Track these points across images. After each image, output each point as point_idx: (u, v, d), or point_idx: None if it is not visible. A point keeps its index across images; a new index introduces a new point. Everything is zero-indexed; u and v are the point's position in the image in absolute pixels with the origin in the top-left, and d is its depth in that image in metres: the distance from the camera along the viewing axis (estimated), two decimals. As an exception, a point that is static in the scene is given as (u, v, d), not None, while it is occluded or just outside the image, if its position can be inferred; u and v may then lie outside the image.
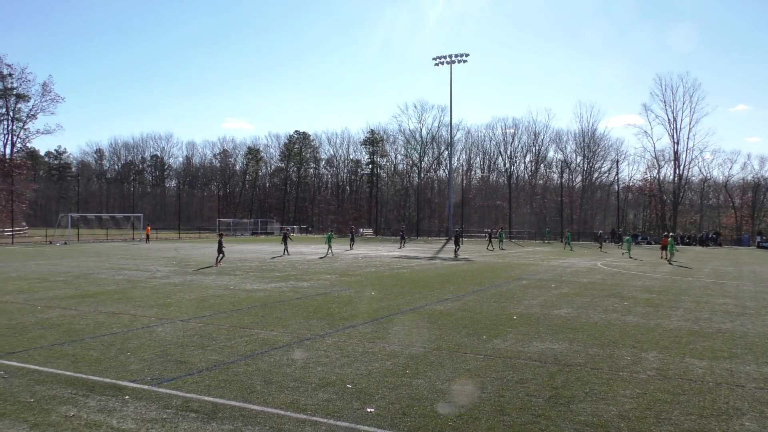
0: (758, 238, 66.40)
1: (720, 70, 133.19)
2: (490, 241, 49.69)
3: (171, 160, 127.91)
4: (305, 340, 10.87)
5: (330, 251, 37.59)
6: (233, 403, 7.14)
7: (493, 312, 14.46)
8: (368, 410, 6.93)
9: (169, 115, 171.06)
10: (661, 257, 36.46)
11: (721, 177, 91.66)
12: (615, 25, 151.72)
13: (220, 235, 30.13)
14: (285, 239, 37.01)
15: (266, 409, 6.94)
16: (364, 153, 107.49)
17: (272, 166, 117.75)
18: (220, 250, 27.64)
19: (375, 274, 24.25)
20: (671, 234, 39.76)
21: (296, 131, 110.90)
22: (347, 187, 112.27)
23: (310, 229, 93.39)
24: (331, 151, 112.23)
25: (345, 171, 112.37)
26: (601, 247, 51.10)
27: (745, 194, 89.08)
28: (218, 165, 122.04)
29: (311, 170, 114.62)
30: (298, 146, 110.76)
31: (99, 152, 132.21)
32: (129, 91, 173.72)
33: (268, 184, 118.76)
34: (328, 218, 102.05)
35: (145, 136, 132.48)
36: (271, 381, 8.10)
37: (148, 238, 54.91)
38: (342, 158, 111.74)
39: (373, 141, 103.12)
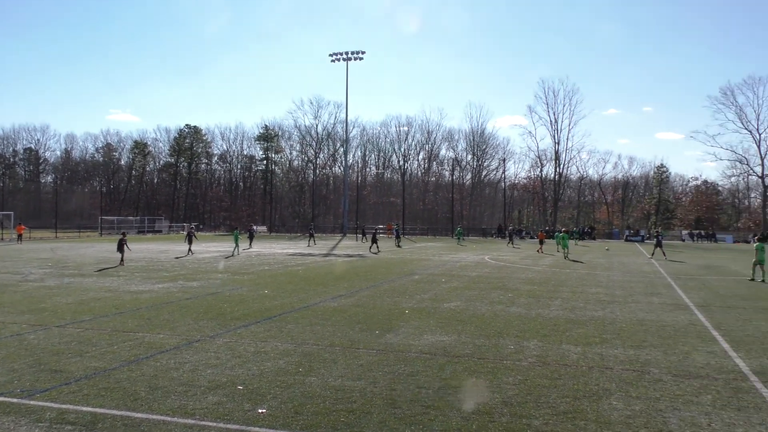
0: (627, 232, 72.30)
1: (594, 76, 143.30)
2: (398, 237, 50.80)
3: (47, 154, 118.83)
4: (194, 342, 10.52)
5: (237, 249, 36.43)
6: (115, 412, 6.78)
7: (386, 307, 14.72)
8: (260, 411, 6.83)
9: (44, 105, 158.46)
10: (538, 251, 38.71)
11: (595, 175, 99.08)
12: (504, 29, 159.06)
13: (123, 234, 28.69)
14: (189, 238, 35.48)
15: (151, 416, 6.65)
16: (258, 149, 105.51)
17: (161, 161, 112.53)
18: (121, 250, 26.83)
19: (268, 272, 23.90)
20: (564, 229, 41.98)
21: (187, 125, 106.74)
22: (241, 184, 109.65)
23: (201, 226, 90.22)
24: (224, 147, 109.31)
25: (238, 167, 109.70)
26: (512, 243, 52.85)
27: (616, 191, 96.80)
28: (101, 159, 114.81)
29: (203, 166, 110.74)
30: (189, 141, 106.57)
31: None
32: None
33: (156, 180, 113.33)
34: (220, 215, 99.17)
35: (17, 127, 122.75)
36: (156, 386, 7.77)
37: (20, 238, 50.34)
38: (235, 154, 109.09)
39: (268, 137, 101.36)
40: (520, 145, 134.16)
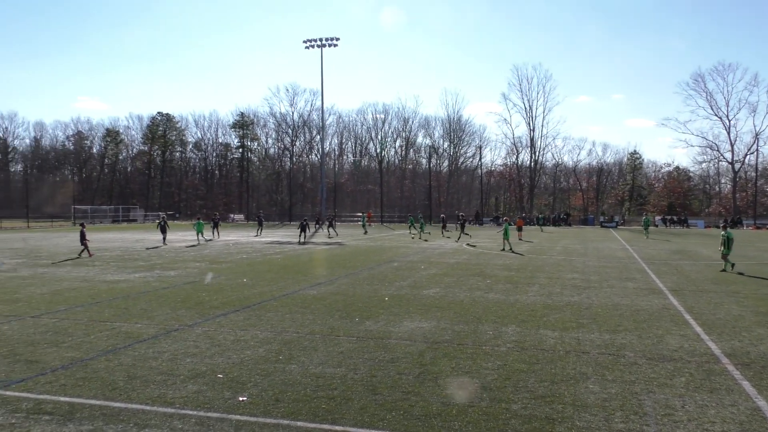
0: (601, 218, 73.26)
1: (564, 63, 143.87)
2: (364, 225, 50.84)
3: (16, 142, 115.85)
4: (173, 331, 10.45)
5: (200, 238, 36.31)
6: (93, 401, 6.71)
7: (365, 294, 14.75)
8: (240, 399, 6.82)
9: (10, 92, 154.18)
10: (519, 238, 39.07)
11: (570, 162, 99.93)
12: (476, 15, 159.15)
13: (82, 225, 27.61)
14: (162, 227, 34.82)
15: (130, 405, 6.60)
16: (233, 136, 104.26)
17: (134, 150, 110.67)
18: (83, 242, 25.55)
19: (247, 260, 23.76)
20: (505, 218, 40.50)
21: (159, 112, 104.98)
22: (216, 172, 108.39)
23: (177, 215, 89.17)
24: (199, 134, 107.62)
25: (214, 155, 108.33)
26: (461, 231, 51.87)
27: (591, 178, 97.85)
28: (72, 148, 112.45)
29: (177, 154, 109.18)
30: (162, 128, 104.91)
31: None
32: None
33: (129, 169, 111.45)
34: (196, 204, 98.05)
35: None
36: (135, 376, 7.71)
37: None
38: (210, 141, 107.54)
39: (243, 124, 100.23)
40: (496, 132, 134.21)
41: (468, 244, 33.35)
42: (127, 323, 11.12)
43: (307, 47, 76.90)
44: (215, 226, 42.55)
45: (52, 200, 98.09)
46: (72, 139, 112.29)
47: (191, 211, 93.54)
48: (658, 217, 76.13)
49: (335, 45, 76.00)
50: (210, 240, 37.87)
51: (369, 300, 13.90)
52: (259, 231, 46.15)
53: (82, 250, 25.61)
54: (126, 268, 20.75)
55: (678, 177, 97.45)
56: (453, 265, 22.22)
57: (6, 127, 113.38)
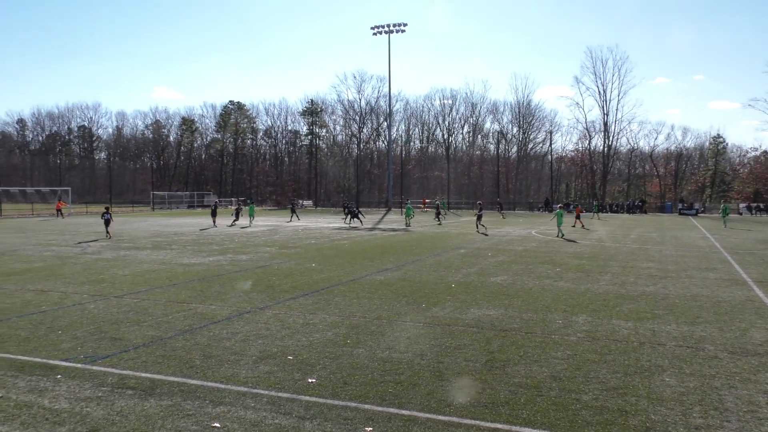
0: (680, 206, 70.01)
1: (640, 43, 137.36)
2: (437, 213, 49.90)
3: (100, 131, 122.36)
4: (245, 313, 10.79)
5: (249, 220, 39.85)
6: (171, 378, 7.04)
7: (432, 281, 14.73)
8: (309, 381, 6.98)
9: (94, 84, 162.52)
10: (579, 225, 37.66)
11: (647, 147, 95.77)
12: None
13: (106, 209, 29.45)
14: (237, 212, 39.74)
15: (206, 383, 6.88)
16: (302, 124, 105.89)
17: (208, 137, 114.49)
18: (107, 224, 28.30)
19: (315, 246, 24.20)
20: (559, 205, 38.40)
21: (231, 101, 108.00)
22: (286, 159, 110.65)
23: (249, 201, 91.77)
24: (269, 122, 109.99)
25: (283, 142, 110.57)
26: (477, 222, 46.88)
27: (669, 164, 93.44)
28: (151, 136, 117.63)
29: (248, 141, 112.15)
30: (234, 117, 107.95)
31: (21, 122, 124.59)
32: (51, 58, 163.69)
33: (204, 156, 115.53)
34: (266, 190, 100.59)
35: (71, 105, 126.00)
36: (210, 355, 8.02)
37: (59, 213, 50.82)
38: (280, 129, 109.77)
39: (313, 111, 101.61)
40: (567, 117, 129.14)
41: (481, 233, 32.57)
42: (203, 305, 11.57)
43: (374, 34, 77.06)
44: (293, 210, 48.27)
45: (132, 186, 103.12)
46: (151, 127, 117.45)
47: (262, 198, 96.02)
48: (743, 205, 72.01)
49: (403, 31, 75.77)
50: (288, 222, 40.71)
51: (436, 286, 13.88)
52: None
53: (107, 229, 28.11)
54: (201, 252, 21.57)
55: (766, 162, 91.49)
56: (521, 252, 21.85)
57: (91, 117, 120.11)
